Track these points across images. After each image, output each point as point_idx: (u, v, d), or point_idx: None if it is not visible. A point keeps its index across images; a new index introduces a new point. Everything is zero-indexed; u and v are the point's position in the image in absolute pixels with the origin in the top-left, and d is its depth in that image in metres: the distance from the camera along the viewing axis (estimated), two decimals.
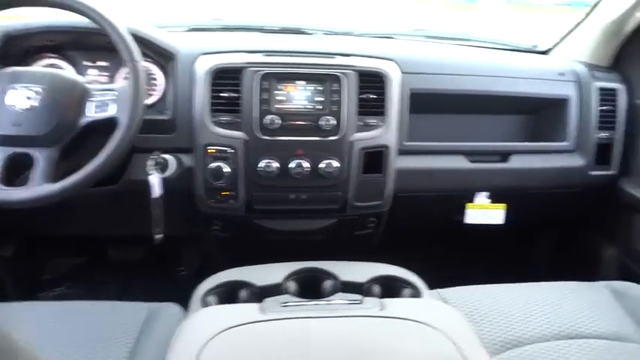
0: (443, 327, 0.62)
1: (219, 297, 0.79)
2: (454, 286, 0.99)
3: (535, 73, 1.33)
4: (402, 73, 1.18)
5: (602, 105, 1.30)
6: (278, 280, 0.81)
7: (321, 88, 1.11)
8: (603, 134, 1.30)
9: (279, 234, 1.23)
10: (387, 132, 1.15)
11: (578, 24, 1.42)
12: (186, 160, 1.12)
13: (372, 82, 1.14)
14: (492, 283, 1.03)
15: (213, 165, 1.09)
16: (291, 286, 0.82)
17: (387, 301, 0.70)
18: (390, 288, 0.84)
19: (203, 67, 1.09)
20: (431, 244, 1.58)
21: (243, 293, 0.80)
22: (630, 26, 1.28)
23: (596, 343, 0.88)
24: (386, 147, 1.15)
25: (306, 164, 1.10)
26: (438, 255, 1.43)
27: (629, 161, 1.32)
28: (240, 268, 0.85)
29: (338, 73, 1.11)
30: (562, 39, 1.49)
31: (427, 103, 1.23)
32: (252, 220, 1.19)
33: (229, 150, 1.09)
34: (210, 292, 0.79)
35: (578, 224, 1.51)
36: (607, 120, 1.30)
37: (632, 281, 1.07)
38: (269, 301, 0.70)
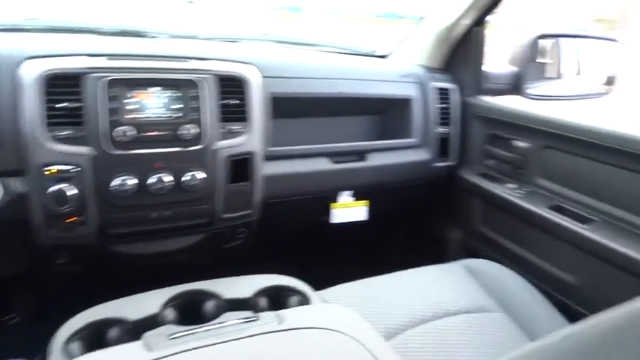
0: (347, 330, 0.61)
1: (85, 342, 0.67)
2: (331, 284, 1.00)
3: (381, 75, 1.42)
4: (263, 77, 1.15)
5: (440, 103, 1.44)
6: (154, 310, 0.72)
7: (178, 95, 1.02)
8: (443, 129, 1.45)
9: (141, 259, 1.11)
10: (251, 138, 1.11)
11: (412, 32, 1.56)
12: (16, 184, 0.93)
13: (232, 87, 1.09)
14: (364, 277, 1.06)
15: (55, 188, 0.92)
16: (170, 314, 0.73)
17: (283, 312, 0.66)
18: (277, 298, 0.81)
19: (31, 73, 0.92)
20: (302, 247, 1.58)
21: (113, 332, 0.69)
22: (457, 32, 1.44)
23: (463, 317, 0.97)
24: (252, 154, 1.12)
25: (167, 178, 1.00)
26: (311, 257, 1.44)
27: (465, 152, 1.49)
28: (106, 303, 0.73)
29: (196, 78, 1.03)
30: (399, 44, 1.61)
31: (288, 108, 1.23)
32: (108, 248, 1.05)
33: (74, 169, 0.94)
34: (72, 338, 0.66)
35: (429, 212, 1.66)
36: (445, 116, 1.45)
37: (477, 258, 1.20)
38: (151, 336, 0.61)
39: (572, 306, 1.13)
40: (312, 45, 1.60)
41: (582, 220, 1.14)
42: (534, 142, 1.29)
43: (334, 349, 0.59)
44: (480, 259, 1.18)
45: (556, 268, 1.20)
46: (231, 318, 0.69)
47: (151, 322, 0.70)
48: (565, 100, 1.56)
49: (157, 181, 0.99)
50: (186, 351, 0.56)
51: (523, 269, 1.20)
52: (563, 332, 0.48)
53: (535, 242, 1.26)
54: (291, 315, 0.65)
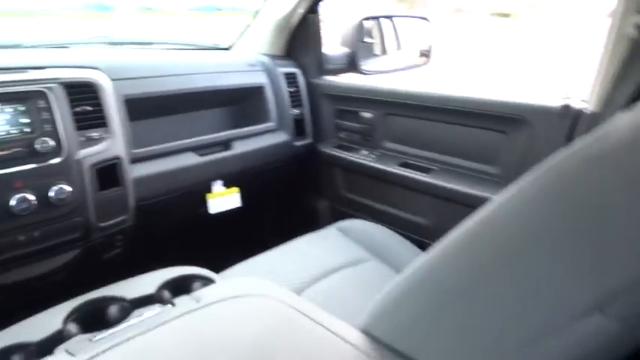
0: (265, 292, 0.66)
1: None
2: (224, 269, 1.05)
3: (229, 66, 1.47)
4: (111, 80, 1.12)
5: (289, 87, 1.54)
6: (56, 327, 0.69)
7: (23, 108, 0.95)
8: (296, 111, 1.56)
9: (7, 290, 1.02)
10: (114, 143, 1.08)
11: (251, 23, 1.63)
12: None
13: (83, 94, 1.04)
14: (252, 256, 1.13)
15: None
16: (74, 327, 0.71)
17: (196, 294, 0.69)
18: (181, 288, 0.83)
19: None
20: (187, 242, 1.57)
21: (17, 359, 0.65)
22: (294, 20, 1.55)
23: (345, 271, 1.10)
24: (118, 158, 1.09)
25: (31, 197, 0.94)
26: (198, 250, 1.44)
27: (319, 129, 1.63)
28: (1, 332, 0.68)
29: (41, 89, 0.97)
30: (240, 36, 1.67)
31: (144, 108, 1.21)
32: None
33: None
34: None
35: (297, 188, 1.77)
36: (296, 99, 1.56)
37: (339, 219, 1.34)
38: (72, 343, 0.60)
39: (429, 243, 1.34)
40: (150, 43, 1.58)
41: (425, 170, 1.35)
42: (377, 112, 1.47)
43: (260, 310, 0.63)
44: (349, 220, 1.33)
45: (411, 215, 1.41)
46: (142, 314, 0.70)
47: (57, 339, 0.67)
48: (393, 73, 1.78)
49: (19, 201, 0.92)
50: (117, 345, 0.55)
51: (386, 221, 1.38)
52: (417, 261, 0.62)
53: (391, 196, 1.45)
54: (206, 293, 0.68)
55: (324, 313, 0.64)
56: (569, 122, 1.05)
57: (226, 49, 1.71)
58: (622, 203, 0.43)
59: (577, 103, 1.04)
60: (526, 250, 0.50)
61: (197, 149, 1.31)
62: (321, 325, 0.61)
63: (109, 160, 1.08)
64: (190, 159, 1.30)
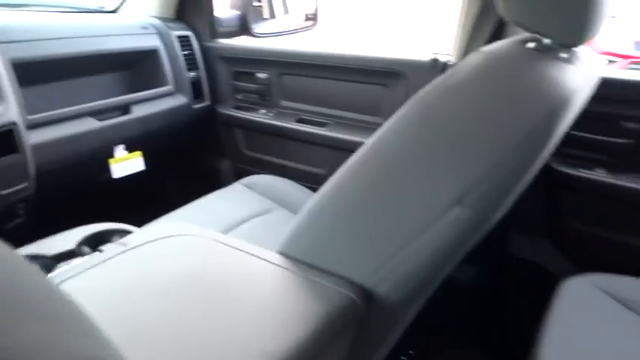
0: (192, 232, 0.74)
1: None
2: None
3: (119, 29, 1.44)
4: None
5: (183, 50, 1.56)
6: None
7: None
8: (192, 74, 1.59)
9: None
10: (7, 108, 1.05)
11: None
12: None
13: None
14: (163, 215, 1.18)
15: None
16: None
17: (123, 239, 0.73)
18: (102, 242, 0.86)
19: None
20: (92, 209, 1.55)
21: None
22: None
23: (256, 220, 1.20)
24: (14, 124, 1.06)
25: None
26: (106, 216, 1.43)
27: (217, 91, 1.67)
28: None
29: None
30: None
31: (34, 73, 1.18)
32: None
33: None
34: None
35: (200, 150, 1.81)
36: (191, 62, 1.58)
37: (242, 177, 1.43)
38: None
39: None
40: (25, 5, 1.49)
41: (321, 124, 1.48)
42: (272, 72, 1.56)
43: (192, 246, 0.69)
44: (253, 176, 1.42)
45: (310, 166, 1.54)
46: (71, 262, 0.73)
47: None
48: (283, 35, 1.86)
49: None
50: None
51: (287, 175, 1.48)
52: (321, 190, 0.74)
53: (290, 151, 1.57)
54: (133, 237, 0.72)
55: (249, 244, 0.74)
56: (438, 73, 1.23)
57: (112, 11, 1.66)
58: (470, 120, 0.58)
59: (443, 57, 1.23)
60: (403, 166, 0.64)
61: (95, 114, 1.30)
62: (247, 253, 0.71)
63: (4, 126, 1.05)
64: (89, 124, 1.28)
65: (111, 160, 1.37)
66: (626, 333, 0.87)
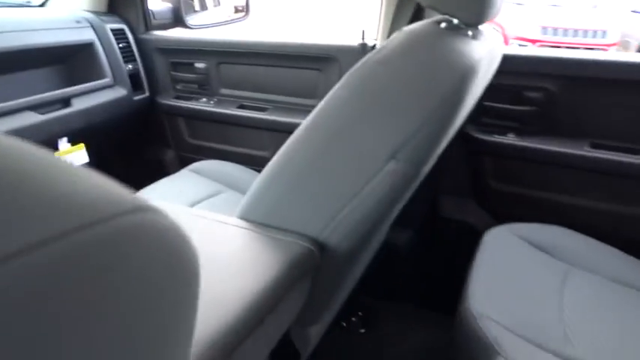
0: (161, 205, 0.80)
1: None
2: None
3: (50, 23, 1.44)
4: None
5: (119, 43, 1.58)
6: None
7: None
8: (130, 66, 1.61)
9: None
10: None
11: None
12: None
13: None
14: None
15: None
16: None
17: None
18: None
19: None
20: None
21: None
22: None
23: (208, 201, 1.27)
24: None
25: None
26: None
27: (156, 82, 1.70)
28: None
29: None
30: None
31: None
32: None
33: None
34: None
35: (143, 141, 1.83)
36: (128, 54, 1.60)
37: (186, 166, 1.49)
38: None
39: None
40: None
41: (261, 109, 1.56)
42: (210, 62, 1.62)
43: None
44: (199, 162, 1.48)
45: (254, 150, 1.62)
46: None
47: None
48: (215, 27, 1.91)
49: None
50: None
51: (231, 159, 1.56)
52: (272, 159, 0.83)
53: (233, 137, 1.64)
54: None
55: (211, 213, 0.82)
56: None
57: (40, 6, 1.64)
58: (398, 88, 0.70)
59: (370, 41, 1.35)
60: (344, 131, 0.74)
61: (36, 108, 1.31)
62: (210, 219, 0.79)
63: None
64: (31, 118, 1.29)
65: (55, 154, 1.37)
66: (539, 269, 1.05)
